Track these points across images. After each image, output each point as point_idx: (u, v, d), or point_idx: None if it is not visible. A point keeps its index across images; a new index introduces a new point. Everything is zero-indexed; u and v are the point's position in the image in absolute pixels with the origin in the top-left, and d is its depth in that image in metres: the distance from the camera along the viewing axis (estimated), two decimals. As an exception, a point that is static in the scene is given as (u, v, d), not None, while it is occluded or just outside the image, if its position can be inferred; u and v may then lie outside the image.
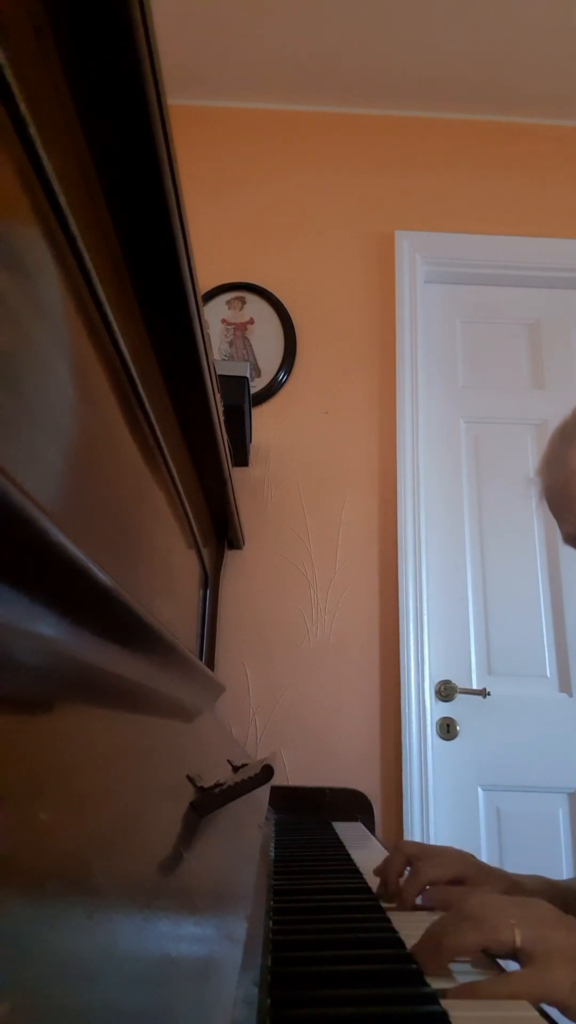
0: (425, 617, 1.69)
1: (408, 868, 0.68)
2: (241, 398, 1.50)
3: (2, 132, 0.32)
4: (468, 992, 0.41)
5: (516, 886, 0.69)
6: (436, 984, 0.42)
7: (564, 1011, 0.41)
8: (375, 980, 0.42)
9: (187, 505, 0.96)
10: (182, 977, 0.25)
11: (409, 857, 0.68)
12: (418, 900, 0.64)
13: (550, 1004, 0.42)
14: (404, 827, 1.53)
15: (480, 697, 1.66)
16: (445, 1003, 0.39)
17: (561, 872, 1.56)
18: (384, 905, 0.62)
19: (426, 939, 0.46)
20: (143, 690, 0.50)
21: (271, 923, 0.53)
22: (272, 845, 0.93)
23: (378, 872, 0.69)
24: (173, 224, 0.53)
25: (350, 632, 1.68)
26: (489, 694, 1.66)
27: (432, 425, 1.88)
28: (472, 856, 0.70)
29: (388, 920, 0.56)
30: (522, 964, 0.44)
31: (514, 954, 0.44)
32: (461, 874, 0.67)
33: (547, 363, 1.96)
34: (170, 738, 0.54)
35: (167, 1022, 0.22)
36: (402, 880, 0.67)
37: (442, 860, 0.68)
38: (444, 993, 0.41)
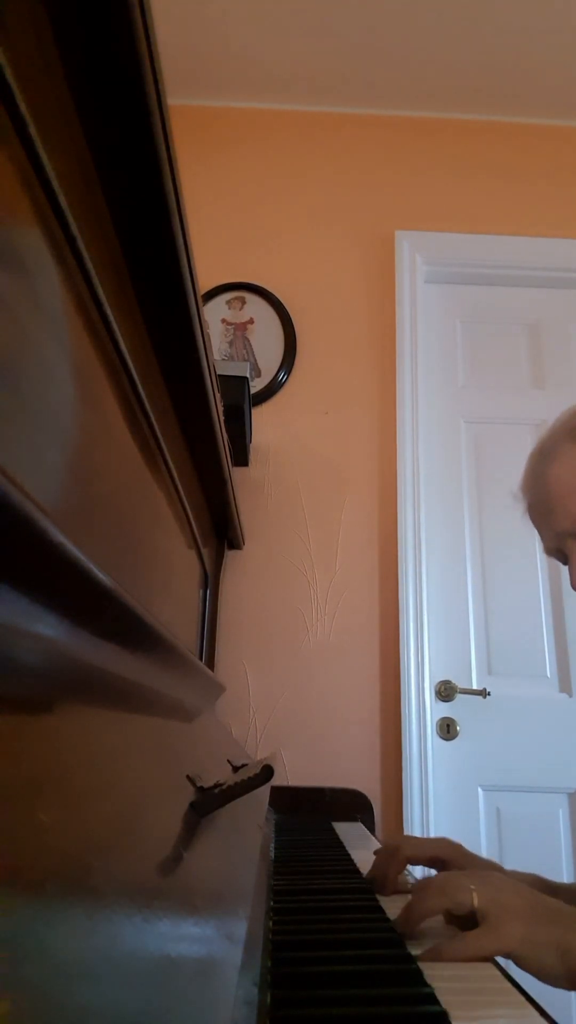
0: (425, 617, 1.69)
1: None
2: (241, 398, 1.50)
3: (2, 132, 0.32)
4: (433, 954, 0.48)
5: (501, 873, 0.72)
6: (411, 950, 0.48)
7: (516, 961, 0.48)
8: (374, 980, 0.42)
9: (187, 505, 0.96)
10: (182, 977, 0.25)
11: (396, 846, 0.73)
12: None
13: (503, 956, 0.48)
14: (404, 827, 1.53)
15: (480, 697, 1.66)
16: (432, 975, 0.39)
17: (561, 873, 1.56)
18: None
19: (402, 911, 0.53)
20: (143, 690, 0.50)
21: (271, 923, 0.53)
22: (272, 845, 0.93)
23: (369, 873, 0.73)
24: (173, 224, 0.53)
25: (350, 632, 1.68)
26: (489, 694, 1.65)
27: (432, 425, 1.88)
28: (459, 844, 0.74)
29: (388, 920, 0.56)
30: (480, 924, 0.50)
31: (473, 915, 0.51)
32: (440, 854, 0.72)
33: (547, 363, 1.96)
34: (170, 738, 0.54)
35: (167, 1022, 0.22)
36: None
37: (421, 841, 0.76)
38: (417, 958, 0.47)
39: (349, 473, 1.80)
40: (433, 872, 0.75)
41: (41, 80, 0.36)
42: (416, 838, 0.79)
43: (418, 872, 0.82)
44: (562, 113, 2.09)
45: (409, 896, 0.69)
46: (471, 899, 0.50)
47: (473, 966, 0.47)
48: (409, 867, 0.75)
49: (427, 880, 0.55)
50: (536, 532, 0.82)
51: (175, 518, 0.89)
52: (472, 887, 0.51)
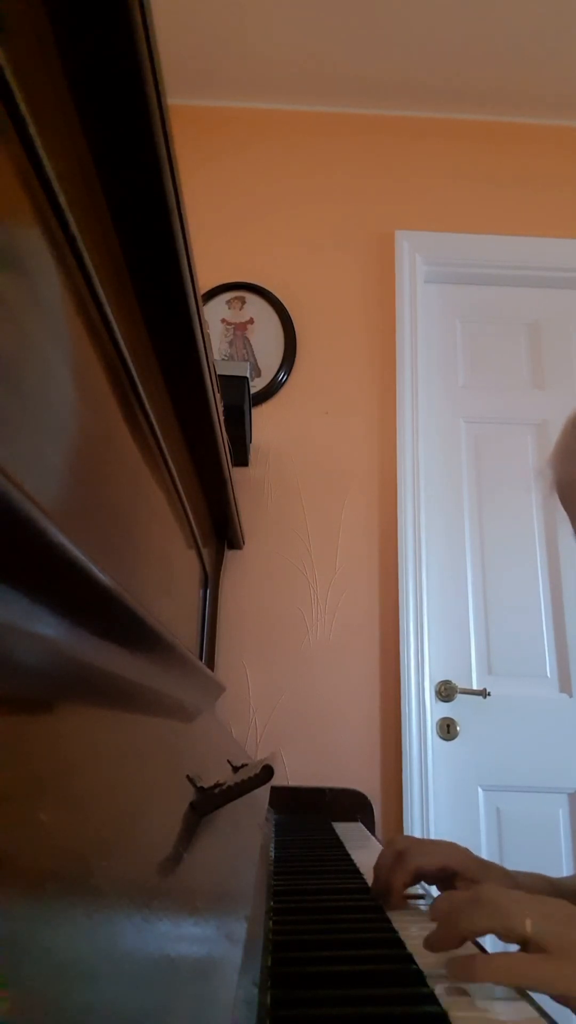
0: (425, 617, 1.69)
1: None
2: (241, 398, 1.50)
3: (2, 132, 0.32)
4: (464, 972, 0.42)
5: (514, 883, 0.68)
6: (438, 972, 0.44)
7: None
8: (375, 980, 0.42)
9: (187, 505, 0.96)
10: (182, 977, 0.25)
11: (400, 851, 0.66)
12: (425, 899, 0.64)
13: (564, 998, 0.41)
14: (404, 827, 1.53)
15: (480, 697, 1.66)
16: (444, 998, 0.39)
17: (561, 873, 1.56)
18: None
19: (439, 920, 0.47)
20: (143, 690, 0.50)
21: (271, 923, 0.53)
22: (272, 845, 0.93)
23: (373, 886, 0.68)
24: (173, 224, 0.53)
25: (350, 632, 1.68)
26: (489, 694, 1.65)
27: (432, 425, 1.88)
28: (468, 850, 0.68)
29: (388, 920, 0.56)
30: (532, 951, 0.43)
31: (523, 943, 0.44)
32: (451, 864, 0.65)
33: (547, 363, 1.96)
34: (170, 738, 0.54)
35: (167, 1022, 0.22)
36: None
37: (431, 848, 0.67)
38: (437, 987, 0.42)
39: (349, 473, 1.80)
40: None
41: (41, 80, 0.36)
42: (421, 841, 0.69)
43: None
44: (562, 113, 2.09)
45: (408, 906, 0.66)
46: (524, 925, 0.43)
47: (509, 1010, 0.42)
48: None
49: (472, 893, 0.47)
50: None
51: (175, 518, 0.89)
52: (527, 911, 0.44)
